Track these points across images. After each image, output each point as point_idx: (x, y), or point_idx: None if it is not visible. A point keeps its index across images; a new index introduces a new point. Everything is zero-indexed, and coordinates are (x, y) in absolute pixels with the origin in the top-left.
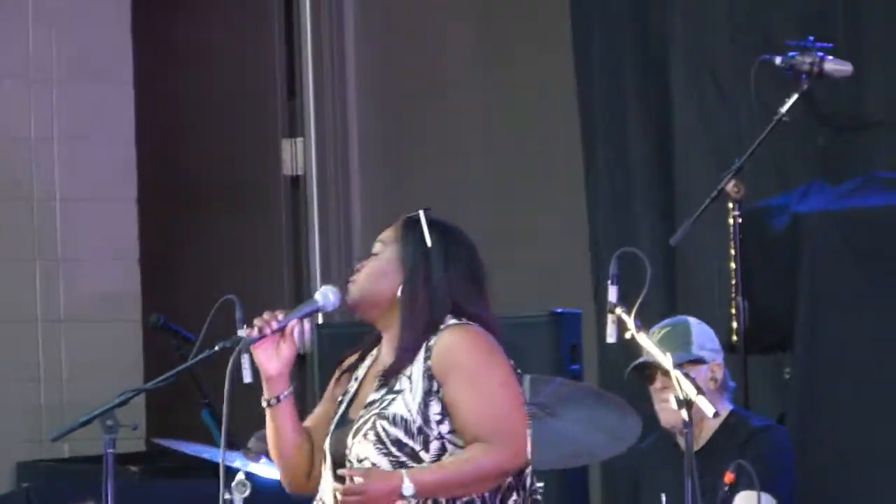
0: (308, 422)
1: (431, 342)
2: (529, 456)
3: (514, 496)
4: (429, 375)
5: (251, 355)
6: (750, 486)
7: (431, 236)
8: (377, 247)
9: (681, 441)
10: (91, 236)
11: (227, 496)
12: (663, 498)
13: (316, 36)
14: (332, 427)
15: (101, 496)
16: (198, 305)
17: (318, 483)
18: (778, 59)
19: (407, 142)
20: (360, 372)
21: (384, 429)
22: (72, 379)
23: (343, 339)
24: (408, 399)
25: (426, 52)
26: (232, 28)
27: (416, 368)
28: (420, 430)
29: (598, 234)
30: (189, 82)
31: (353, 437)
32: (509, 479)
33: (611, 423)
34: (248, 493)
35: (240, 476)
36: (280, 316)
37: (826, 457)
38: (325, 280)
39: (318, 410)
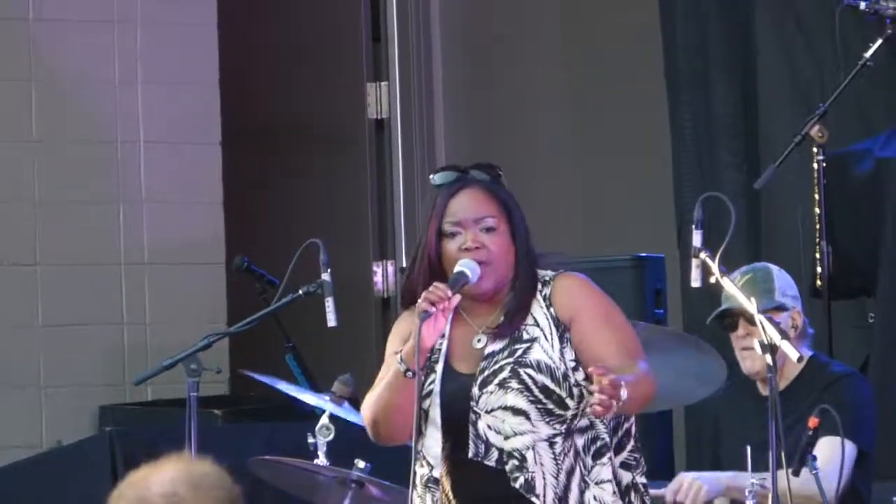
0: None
1: (545, 291)
2: None
3: (632, 441)
4: (556, 323)
5: (335, 298)
6: (832, 432)
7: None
8: (491, 221)
9: (761, 387)
10: (175, 179)
11: (311, 439)
12: (748, 450)
13: None
14: (435, 385)
15: (185, 439)
16: (282, 249)
17: (401, 435)
18: (862, 4)
19: (490, 85)
20: (446, 329)
21: (530, 376)
22: (155, 322)
23: None
24: (546, 346)
25: None
26: None
27: (540, 318)
28: (565, 376)
29: (682, 179)
30: (274, 25)
31: (482, 387)
32: (628, 424)
33: (695, 367)
34: (331, 436)
35: (323, 420)
36: (449, 292)
37: None
38: (409, 223)
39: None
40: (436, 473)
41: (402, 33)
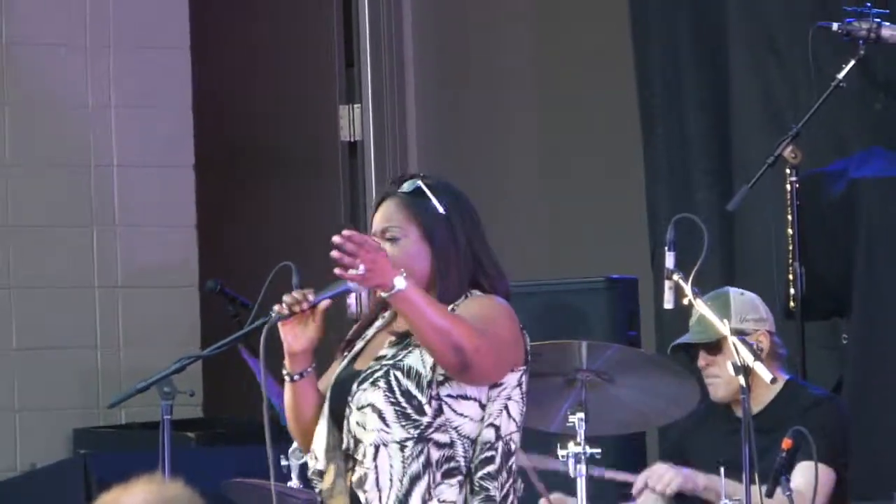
0: (321, 386)
1: (458, 305)
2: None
3: (504, 475)
4: None
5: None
6: (808, 457)
7: (441, 202)
8: (394, 231)
9: (735, 409)
10: (148, 203)
11: (284, 462)
12: (721, 469)
13: (373, 1)
14: (333, 379)
15: (158, 462)
16: (255, 272)
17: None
18: (835, 25)
19: (463, 108)
20: (369, 332)
21: (397, 378)
22: (128, 346)
23: None
24: (424, 354)
25: (483, 19)
26: None
27: None
28: (429, 384)
29: (655, 200)
30: (246, 48)
31: (360, 384)
32: (499, 462)
33: (668, 389)
34: (304, 459)
35: (296, 443)
36: (311, 296)
37: (883, 422)
38: None
39: (329, 375)
40: (320, 466)
41: (375, 56)
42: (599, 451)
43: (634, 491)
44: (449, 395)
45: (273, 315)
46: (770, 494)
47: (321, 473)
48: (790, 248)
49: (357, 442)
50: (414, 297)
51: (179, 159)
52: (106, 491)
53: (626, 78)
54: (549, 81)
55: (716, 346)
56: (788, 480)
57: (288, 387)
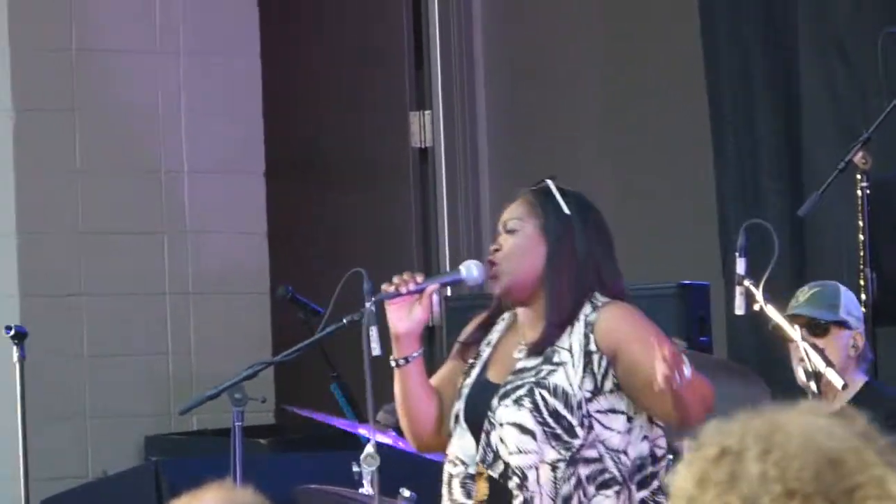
0: (433, 381)
1: (591, 317)
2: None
3: (656, 483)
4: (588, 351)
5: (378, 328)
6: None
7: (567, 204)
8: (513, 223)
9: None
10: (219, 209)
11: (356, 468)
12: None
13: (443, 8)
14: (466, 389)
15: (230, 468)
16: (326, 279)
17: (444, 441)
18: None
19: (534, 114)
20: (493, 336)
21: (543, 398)
22: (200, 352)
23: (472, 312)
24: (570, 373)
25: (552, 24)
26: (359, 0)
27: (576, 342)
28: (580, 404)
29: (725, 206)
30: (316, 55)
31: (501, 399)
32: (654, 469)
33: (740, 395)
34: (377, 465)
35: (369, 448)
36: (419, 278)
37: None
38: (454, 253)
39: (443, 372)
40: (471, 471)
41: (446, 61)
42: (671, 457)
43: None
44: (598, 411)
45: (381, 293)
46: None
47: (473, 477)
48: (861, 253)
49: (496, 457)
50: (695, 376)
51: (250, 166)
52: (177, 498)
53: (697, 83)
54: (621, 84)
55: (823, 329)
56: None
57: (396, 375)
